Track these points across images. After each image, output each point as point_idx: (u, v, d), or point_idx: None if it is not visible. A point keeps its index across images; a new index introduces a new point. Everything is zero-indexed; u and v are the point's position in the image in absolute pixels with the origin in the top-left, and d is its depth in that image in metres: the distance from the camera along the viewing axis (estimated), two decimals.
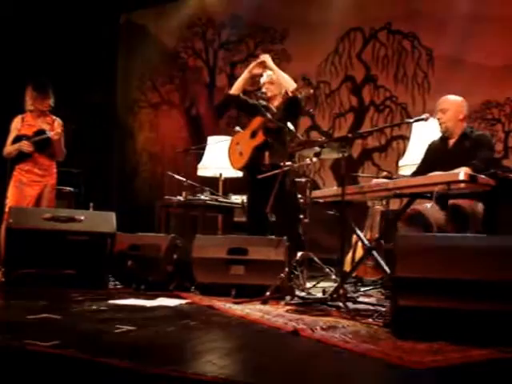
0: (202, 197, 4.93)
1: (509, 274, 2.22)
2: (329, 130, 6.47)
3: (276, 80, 4.27)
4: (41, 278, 3.76)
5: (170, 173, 5.21)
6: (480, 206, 3.32)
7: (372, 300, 3.48)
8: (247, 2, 7.14)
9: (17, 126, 4.59)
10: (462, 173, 2.74)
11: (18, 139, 4.53)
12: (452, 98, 3.58)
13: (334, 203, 3.56)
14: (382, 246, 3.54)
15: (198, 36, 7.62)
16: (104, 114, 7.59)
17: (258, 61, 4.36)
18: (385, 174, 5.26)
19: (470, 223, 3.21)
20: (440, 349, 2.11)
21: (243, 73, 4.42)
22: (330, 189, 4.00)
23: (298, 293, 3.53)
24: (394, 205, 4.51)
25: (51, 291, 3.57)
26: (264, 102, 4.28)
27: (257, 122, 4.26)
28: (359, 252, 4.23)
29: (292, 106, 4.15)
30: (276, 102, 4.29)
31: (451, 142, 3.55)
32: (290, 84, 4.17)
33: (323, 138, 5.03)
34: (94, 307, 3.01)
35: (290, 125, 3.96)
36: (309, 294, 3.60)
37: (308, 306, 3.16)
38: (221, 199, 5.04)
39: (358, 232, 3.41)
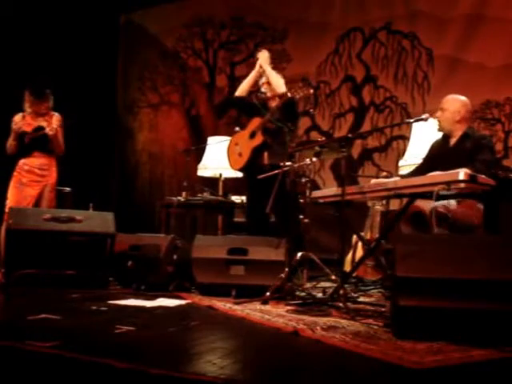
0: (202, 197, 4.93)
1: (509, 273, 2.22)
2: (329, 130, 6.47)
3: None
4: (41, 279, 3.77)
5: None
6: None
7: (372, 300, 3.48)
8: (247, 2, 7.14)
9: (18, 121, 4.64)
10: (462, 173, 2.73)
11: (20, 137, 4.59)
12: (454, 98, 3.56)
13: (334, 203, 3.56)
14: (382, 245, 3.54)
15: (197, 36, 7.60)
16: (104, 114, 7.58)
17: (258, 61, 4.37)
18: (385, 173, 5.26)
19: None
20: (440, 349, 2.11)
21: (249, 74, 4.41)
22: (329, 189, 3.99)
23: (298, 293, 3.53)
24: (394, 205, 4.51)
25: (51, 291, 3.58)
26: (263, 102, 4.28)
27: (255, 122, 4.25)
28: (359, 252, 4.23)
29: (288, 108, 4.14)
30: (275, 103, 4.29)
31: (452, 140, 3.55)
32: (278, 86, 4.15)
33: (323, 138, 5.03)
34: (94, 307, 3.00)
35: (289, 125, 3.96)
36: (309, 294, 3.60)
37: (308, 306, 3.16)
38: (221, 199, 5.04)
39: (358, 232, 3.40)
